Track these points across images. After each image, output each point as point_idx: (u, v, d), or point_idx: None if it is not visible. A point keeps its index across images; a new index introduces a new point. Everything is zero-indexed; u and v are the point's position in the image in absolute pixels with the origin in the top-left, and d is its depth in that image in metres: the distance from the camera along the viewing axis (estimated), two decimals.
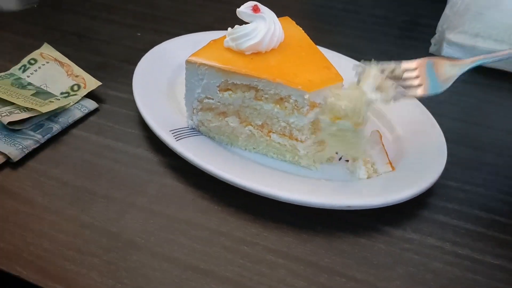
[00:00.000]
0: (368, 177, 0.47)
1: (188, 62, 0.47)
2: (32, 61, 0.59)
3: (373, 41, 0.77)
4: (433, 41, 0.72)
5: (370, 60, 0.48)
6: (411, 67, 0.48)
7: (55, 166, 0.49)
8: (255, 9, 0.47)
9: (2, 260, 0.40)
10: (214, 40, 0.49)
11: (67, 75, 0.58)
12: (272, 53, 0.47)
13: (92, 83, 0.58)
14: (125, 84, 0.59)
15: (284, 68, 0.46)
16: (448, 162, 0.49)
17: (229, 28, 0.48)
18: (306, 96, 0.43)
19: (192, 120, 0.51)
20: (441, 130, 0.53)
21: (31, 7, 0.78)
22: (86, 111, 0.55)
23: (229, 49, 0.48)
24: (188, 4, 0.85)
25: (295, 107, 0.45)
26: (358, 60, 0.64)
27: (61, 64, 0.59)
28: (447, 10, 0.69)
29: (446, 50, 0.69)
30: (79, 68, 0.59)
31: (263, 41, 0.46)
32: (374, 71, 0.46)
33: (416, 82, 0.47)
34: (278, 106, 0.46)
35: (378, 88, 0.45)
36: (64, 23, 0.74)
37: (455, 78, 0.47)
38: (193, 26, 0.75)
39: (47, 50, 0.61)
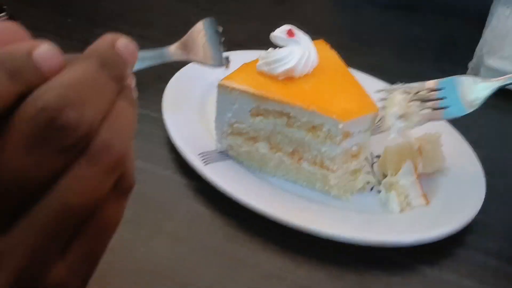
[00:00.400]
0: (401, 211, 0.45)
1: (220, 86, 0.47)
2: None
3: (407, 63, 0.74)
4: (470, 65, 0.69)
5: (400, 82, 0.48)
6: (436, 87, 0.47)
7: None
8: (290, 33, 0.46)
9: None
10: (247, 64, 0.48)
11: None
12: (305, 79, 0.46)
13: None
14: (155, 103, 0.58)
15: (318, 94, 0.45)
16: (486, 196, 0.47)
17: (263, 52, 0.48)
18: (340, 126, 0.42)
19: (221, 143, 0.50)
20: (479, 161, 0.51)
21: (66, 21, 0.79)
22: None
23: (261, 73, 0.47)
24: (220, 21, 0.84)
25: (328, 136, 0.44)
26: (390, 82, 0.63)
27: None
28: (486, 34, 0.67)
29: (484, 76, 0.66)
30: None
31: (297, 67, 0.45)
32: (398, 97, 0.46)
33: (441, 103, 0.47)
34: (310, 134, 0.45)
35: (403, 116, 0.45)
36: (97, 38, 0.74)
37: (483, 99, 0.46)
38: (225, 43, 0.74)
39: None
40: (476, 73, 0.68)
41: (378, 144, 0.54)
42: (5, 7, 0.76)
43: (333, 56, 0.50)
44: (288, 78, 0.46)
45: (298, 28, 0.48)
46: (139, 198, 0.47)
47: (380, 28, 0.85)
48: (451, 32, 0.83)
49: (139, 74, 0.67)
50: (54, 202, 0.19)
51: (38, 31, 0.78)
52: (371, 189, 0.49)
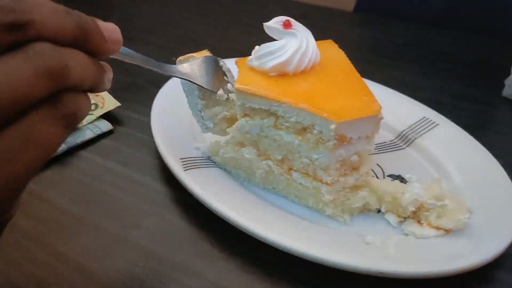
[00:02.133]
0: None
1: None
2: None
3: (433, 78, 0.67)
4: (507, 82, 0.61)
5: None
6: None
7: (50, 188, 0.44)
8: (286, 25, 0.40)
9: None
10: (239, 60, 0.43)
11: None
12: (302, 76, 0.40)
13: (111, 103, 0.54)
14: (148, 107, 0.53)
15: (313, 92, 0.38)
16: None
17: (256, 46, 0.42)
18: (332, 127, 0.35)
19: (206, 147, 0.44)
20: None
21: None
22: (99, 132, 0.50)
23: (251, 69, 0.41)
24: (230, 30, 0.81)
25: (320, 140, 0.37)
26: (417, 97, 0.55)
27: None
28: None
29: None
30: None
31: (291, 62, 0.39)
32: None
33: None
34: (300, 137, 0.38)
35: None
36: None
37: None
38: (233, 51, 0.70)
39: None
40: None
41: (394, 162, 0.47)
42: None
43: (339, 54, 0.44)
44: (281, 74, 0.40)
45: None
46: (108, 203, 0.42)
47: (408, 44, 0.78)
48: (487, 50, 0.75)
49: (134, 77, 0.64)
50: None
51: None
52: (378, 211, 0.41)
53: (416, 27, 0.83)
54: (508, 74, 0.61)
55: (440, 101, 0.60)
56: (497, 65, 0.67)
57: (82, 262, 0.36)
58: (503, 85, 0.62)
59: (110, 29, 0.25)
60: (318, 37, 0.43)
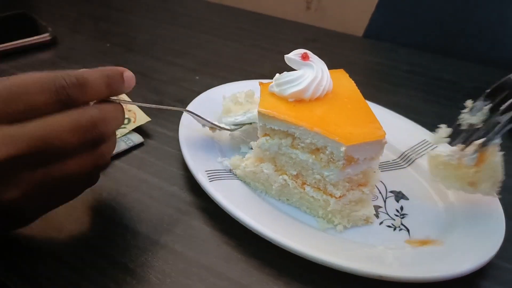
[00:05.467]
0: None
1: None
2: None
3: (435, 104, 0.73)
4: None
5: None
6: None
7: (89, 194, 0.49)
8: (304, 57, 0.46)
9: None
10: (262, 84, 0.49)
11: None
12: (316, 102, 0.46)
13: (142, 118, 0.59)
14: (174, 123, 0.59)
15: (326, 118, 0.44)
16: (507, 241, 0.44)
17: (277, 74, 0.48)
18: (342, 149, 0.41)
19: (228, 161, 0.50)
20: (502, 203, 0.48)
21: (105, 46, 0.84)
22: (131, 144, 0.56)
23: (272, 94, 0.47)
24: (249, 54, 0.86)
25: (331, 159, 0.42)
26: (416, 121, 0.61)
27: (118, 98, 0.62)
28: None
29: None
30: (133, 103, 0.61)
31: (307, 90, 0.45)
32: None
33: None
34: (313, 156, 0.44)
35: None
36: (132, 62, 0.78)
37: None
38: (250, 73, 0.76)
39: None
40: None
41: (396, 179, 0.53)
42: (49, 29, 0.81)
43: (349, 84, 0.50)
44: (298, 100, 0.46)
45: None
46: (141, 209, 0.48)
47: (412, 71, 0.84)
48: (488, 79, 0.81)
49: (162, 96, 0.70)
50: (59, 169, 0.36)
51: (77, 51, 0.84)
52: (380, 223, 0.47)
53: (421, 55, 0.89)
54: None
55: (439, 125, 0.65)
56: None
57: (122, 260, 0.42)
58: None
59: (129, 79, 0.43)
60: (328, 60, 0.49)
